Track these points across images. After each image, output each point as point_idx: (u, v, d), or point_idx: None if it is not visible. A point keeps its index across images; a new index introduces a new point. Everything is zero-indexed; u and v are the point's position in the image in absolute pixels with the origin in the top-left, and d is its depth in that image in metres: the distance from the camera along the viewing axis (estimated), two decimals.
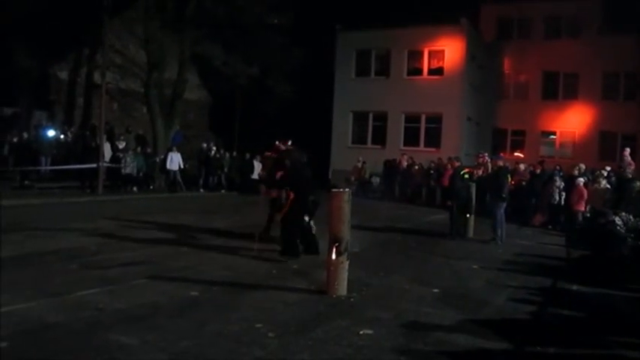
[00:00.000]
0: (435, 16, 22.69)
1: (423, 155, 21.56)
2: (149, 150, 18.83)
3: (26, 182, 15.75)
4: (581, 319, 6.02)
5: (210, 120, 28.77)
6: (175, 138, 19.86)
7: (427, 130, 23.82)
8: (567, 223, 13.14)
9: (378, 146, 24.17)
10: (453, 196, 11.45)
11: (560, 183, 14.37)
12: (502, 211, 10.99)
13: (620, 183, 13.21)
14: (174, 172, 18.38)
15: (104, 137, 16.89)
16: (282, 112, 24.33)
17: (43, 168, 17.04)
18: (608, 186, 13.22)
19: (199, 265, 7.28)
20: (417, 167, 20.24)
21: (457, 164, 12.26)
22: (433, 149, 22.64)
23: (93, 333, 4.49)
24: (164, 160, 18.40)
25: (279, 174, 8.60)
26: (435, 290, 6.69)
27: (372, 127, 24.85)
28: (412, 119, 24.03)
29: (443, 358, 4.44)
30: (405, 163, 20.55)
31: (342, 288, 6.10)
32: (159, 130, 19.66)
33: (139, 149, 18.16)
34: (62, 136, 19.22)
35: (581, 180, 13.23)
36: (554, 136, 25.65)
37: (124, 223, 10.56)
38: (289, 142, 9.60)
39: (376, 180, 21.89)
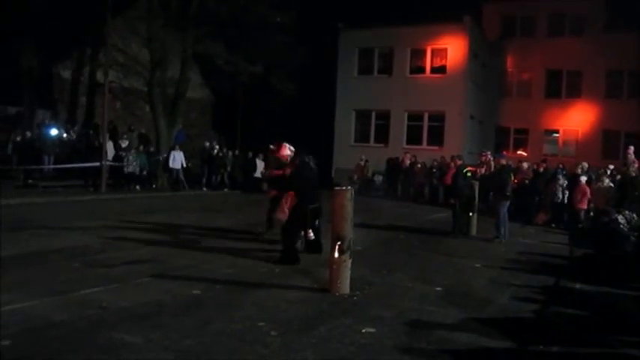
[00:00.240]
0: (438, 14, 22.64)
1: (426, 154, 21.53)
2: (152, 148, 18.88)
3: (30, 181, 15.82)
4: (585, 318, 6.00)
5: (212, 118, 28.80)
6: (178, 136, 19.89)
7: (430, 128, 23.80)
8: (570, 221, 13.10)
9: (381, 145, 24.16)
10: (456, 194, 11.44)
11: (563, 181, 14.34)
12: (505, 209, 10.97)
13: (624, 181, 13.17)
14: (177, 170, 18.41)
15: (107, 136, 16.95)
16: (284, 110, 24.34)
17: (46, 167, 17.10)
18: (612, 184, 13.19)
19: (202, 264, 7.29)
20: (419, 166, 20.21)
21: (460, 162, 12.24)
22: (436, 147, 22.63)
23: (97, 331, 4.50)
24: (167, 159, 18.44)
25: (282, 171, 8.50)
26: (438, 289, 6.69)
27: (374, 126, 24.85)
28: (415, 117, 24.01)
29: (446, 357, 4.43)
30: (407, 162, 20.53)
31: (344, 286, 6.10)
32: (161, 129, 19.68)
33: (141, 148, 18.21)
34: (65, 135, 19.27)
35: (584, 178, 13.21)
36: (557, 135, 25.61)
37: (127, 222, 10.57)
38: (289, 147, 9.16)
39: (379, 178, 21.89)
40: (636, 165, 13.53)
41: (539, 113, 25.04)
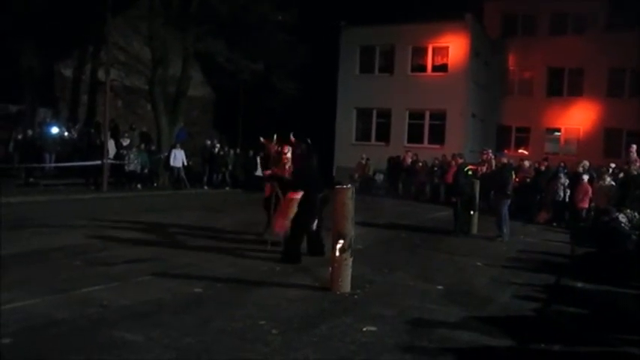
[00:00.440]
0: (440, 12, 22.59)
1: (427, 152, 21.51)
2: (153, 147, 18.88)
3: (31, 179, 15.84)
4: (586, 317, 6.00)
5: (214, 117, 28.77)
6: (179, 135, 19.90)
7: (431, 126, 23.76)
8: (572, 220, 13.10)
9: (382, 143, 24.12)
10: (457, 193, 11.44)
11: (564, 180, 14.32)
12: (506, 208, 10.97)
13: (625, 180, 13.14)
14: (178, 169, 18.42)
15: (108, 134, 16.94)
16: (285, 108, 24.29)
17: (47, 165, 17.10)
18: (613, 183, 13.16)
19: (203, 262, 7.29)
20: (420, 164, 20.19)
21: (461, 161, 12.25)
22: (437, 146, 22.59)
23: (97, 329, 4.51)
24: (168, 157, 18.44)
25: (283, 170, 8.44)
26: (439, 287, 6.69)
27: (375, 124, 24.81)
28: (416, 116, 23.98)
29: (447, 355, 4.43)
30: (409, 160, 20.50)
31: (345, 285, 6.10)
32: (163, 127, 19.68)
33: (143, 146, 18.20)
34: (66, 134, 19.28)
35: (586, 177, 13.18)
36: (558, 133, 25.56)
37: (128, 220, 10.57)
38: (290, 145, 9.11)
39: (380, 177, 21.86)
40: (638, 163, 13.49)
41: (540, 112, 24.99)
